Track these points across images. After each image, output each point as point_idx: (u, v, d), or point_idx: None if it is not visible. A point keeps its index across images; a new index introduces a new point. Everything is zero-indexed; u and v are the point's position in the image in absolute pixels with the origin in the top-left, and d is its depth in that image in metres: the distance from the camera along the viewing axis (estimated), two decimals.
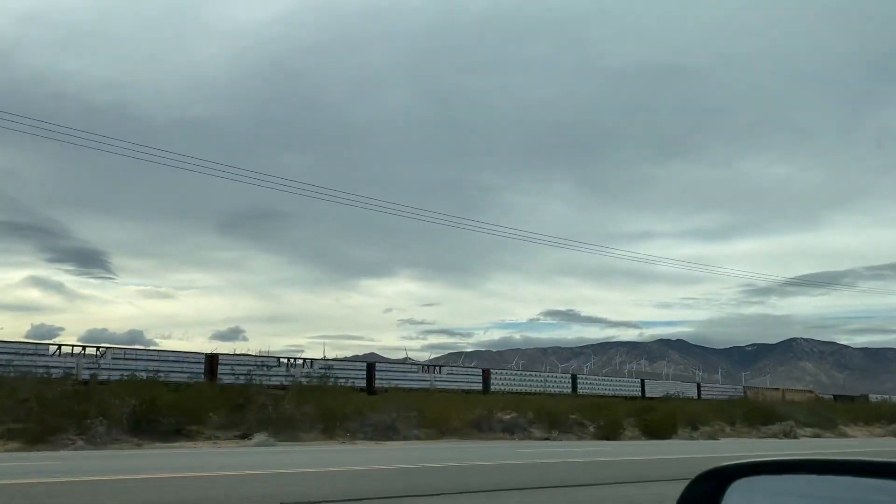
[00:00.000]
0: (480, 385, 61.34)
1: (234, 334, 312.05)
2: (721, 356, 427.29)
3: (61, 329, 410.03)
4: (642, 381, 78.45)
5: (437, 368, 59.81)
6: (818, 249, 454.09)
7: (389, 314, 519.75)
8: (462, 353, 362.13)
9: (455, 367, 62.13)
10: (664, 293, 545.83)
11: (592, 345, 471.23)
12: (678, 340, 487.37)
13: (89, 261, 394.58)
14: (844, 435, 41.60)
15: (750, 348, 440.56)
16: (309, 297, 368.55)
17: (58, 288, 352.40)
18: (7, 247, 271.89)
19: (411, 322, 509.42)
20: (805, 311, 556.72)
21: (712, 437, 33.52)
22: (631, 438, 31.82)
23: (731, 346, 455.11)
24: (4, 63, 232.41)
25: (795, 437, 35.87)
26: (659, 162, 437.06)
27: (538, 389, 63.71)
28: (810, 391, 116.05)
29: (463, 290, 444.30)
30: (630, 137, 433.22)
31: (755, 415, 39.29)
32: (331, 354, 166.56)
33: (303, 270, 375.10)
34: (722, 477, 2.07)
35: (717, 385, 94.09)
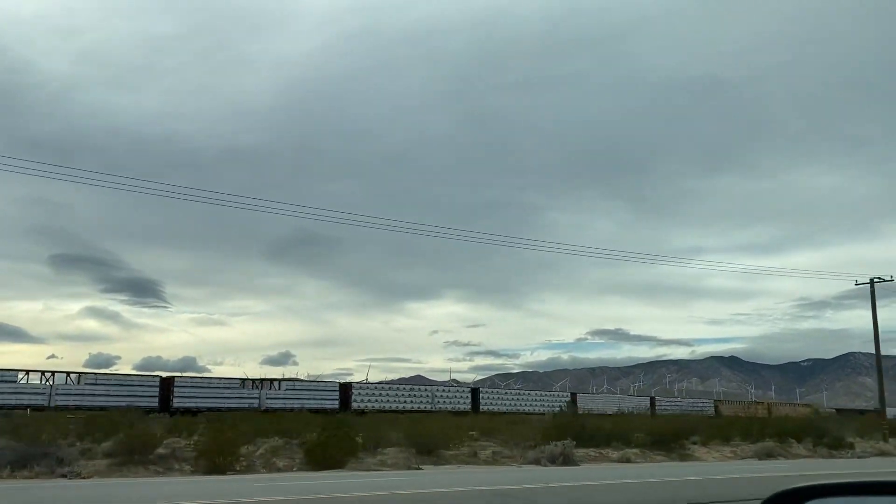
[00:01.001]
0: (337, 403, 52.16)
1: (284, 359, 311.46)
2: (775, 372, 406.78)
3: (118, 358, 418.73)
4: (573, 394, 67.82)
5: (277, 384, 50.73)
6: (875, 260, 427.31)
7: (435, 336, 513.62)
8: (509, 374, 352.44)
9: (302, 382, 52.88)
10: (715, 309, 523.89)
11: (642, 364, 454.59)
12: (731, 357, 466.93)
13: (143, 290, 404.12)
14: (687, 458, 31.00)
15: (805, 363, 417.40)
16: (357, 321, 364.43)
17: (114, 318, 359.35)
18: (65, 278, 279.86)
19: (457, 344, 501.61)
20: (863, 324, 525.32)
21: (413, 465, 23.62)
22: (282, 470, 22.39)
23: (786, 361, 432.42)
24: (61, 101, 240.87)
25: (558, 464, 25.64)
26: (705, 176, 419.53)
27: (421, 406, 54.06)
28: (808, 405, 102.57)
29: (509, 310, 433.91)
30: (675, 152, 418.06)
31: (552, 433, 29.15)
32: (379, 377, 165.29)
33: (350, 294, 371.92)
34: (796, 497, 2.14)
35: (677, 400, 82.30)
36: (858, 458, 33.55)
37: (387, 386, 56.21)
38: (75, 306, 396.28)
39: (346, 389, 53.35)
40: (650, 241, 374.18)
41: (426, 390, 57.93)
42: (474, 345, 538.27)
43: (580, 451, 28.87)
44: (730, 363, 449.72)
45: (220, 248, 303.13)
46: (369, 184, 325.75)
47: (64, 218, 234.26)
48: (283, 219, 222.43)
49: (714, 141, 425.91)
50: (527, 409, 60.12)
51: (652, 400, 73.95)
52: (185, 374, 46.70)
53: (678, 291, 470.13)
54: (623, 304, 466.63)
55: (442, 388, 60.47)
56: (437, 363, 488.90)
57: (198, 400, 45.20)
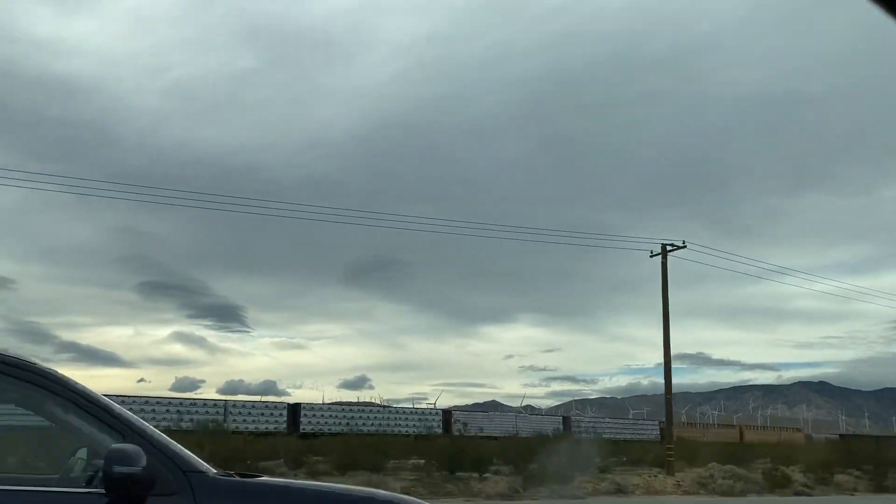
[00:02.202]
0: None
1: (360, 382, 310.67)
2: (869, 399, 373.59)
3: (202, 381, 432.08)
4: (445, 412, 55.36)
5: None
6: None
7: (510, 361, 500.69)
8: (586, 399, 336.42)
9: None
10: (804, 332, 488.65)
11: (725, 389, 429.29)
12: (820, 382, 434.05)
13: (226, 316, 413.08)
14: None
15: None
16: (432, 345, 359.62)
17: (200, 342, 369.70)
18: (154, 305, 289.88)
19: (533, 369, 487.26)
20: None
21: None
22: None
23: (882, 387, 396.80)
24: (151, 135, 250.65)
25: None
26: (790, 194, 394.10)
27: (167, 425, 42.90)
28: (799, 429, 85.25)
29: (586, 334, 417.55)
30: (757, 169, 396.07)
31: None
32: (453, 402, 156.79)
33: (425, 318, 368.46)
34: None
35: (604, 422, 67.65)
36: (561, 497, 20.78)
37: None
38: (164, 332, 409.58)
39: None
40: (733, 262, 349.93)
41: (206, 407, 46.58)
42: (550, 370, 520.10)
43: None
44: (819, 389, 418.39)
45: (298, 273, 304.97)
46: (445, 207, 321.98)
47: (151, 246, 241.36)
48: (358, 244, 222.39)
49: (800, 157, 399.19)
50: (387, 429, 48.74)
51: (566, 420, 60.18)
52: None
53: (763, 313, 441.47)
54: (705, 327, 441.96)
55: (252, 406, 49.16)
56: (513, 388, 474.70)
57: None
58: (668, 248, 28.46)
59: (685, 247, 28.53)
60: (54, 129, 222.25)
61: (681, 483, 24.62)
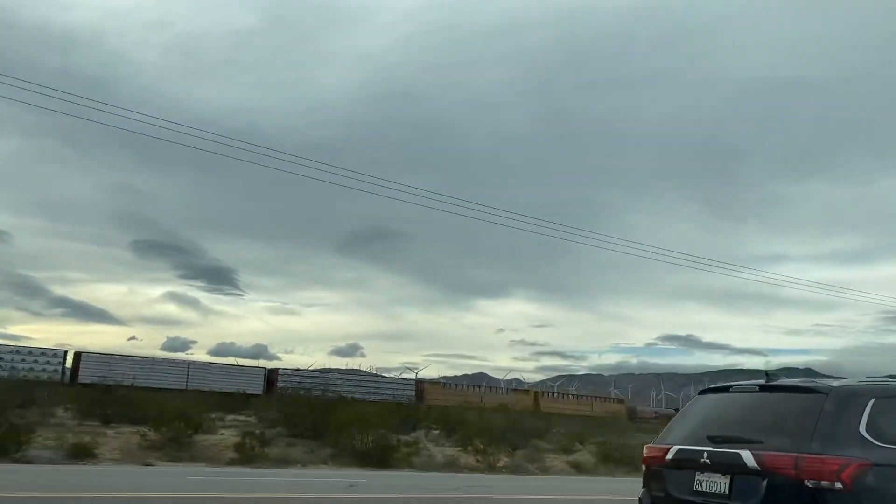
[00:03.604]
0: None
1: (352, 350, 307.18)
2: None
3: (194, 342, 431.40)
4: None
5: None
6: None
7: (502, 335, 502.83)
8: (573, 375, 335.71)
9: None
10: (795, 319, 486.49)
11: (712, 372, 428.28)
12: (806, 369, 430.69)
13: (219, 278, 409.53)
14: None
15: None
16: (426, 317, 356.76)
17: (193, 303, 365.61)
18: (148, 264, 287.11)
19: (523, 343, 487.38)
20: None
21: None
22: None
23: (866, 376, 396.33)
24: (149, 92, 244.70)
25: None
26: (791, 180, 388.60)
27: None
28: (621, 400, 77.77)
29: (579, 312, 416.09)
30: (759, 154, 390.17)
31: None
32: (444, 373, 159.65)
33: (421, 290, 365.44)
34: None
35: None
36: None
37: None
38: (156, 291, 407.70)
39: None
40: (730, 245, 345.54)
41: None
42: (541, 345, 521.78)
43: None
44: (804, 375, 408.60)
45: (295, 240, 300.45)
46: (442, 180, 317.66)
47: (147, 206, 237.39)
48: (356, 214, 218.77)
49: (803, 144, 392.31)
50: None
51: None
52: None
53: (757, 299, 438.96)
54: (698, 310, 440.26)
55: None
56: (503, 361, 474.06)
57: None
58: None
59: None
60: (53, 81, 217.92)
61: None
